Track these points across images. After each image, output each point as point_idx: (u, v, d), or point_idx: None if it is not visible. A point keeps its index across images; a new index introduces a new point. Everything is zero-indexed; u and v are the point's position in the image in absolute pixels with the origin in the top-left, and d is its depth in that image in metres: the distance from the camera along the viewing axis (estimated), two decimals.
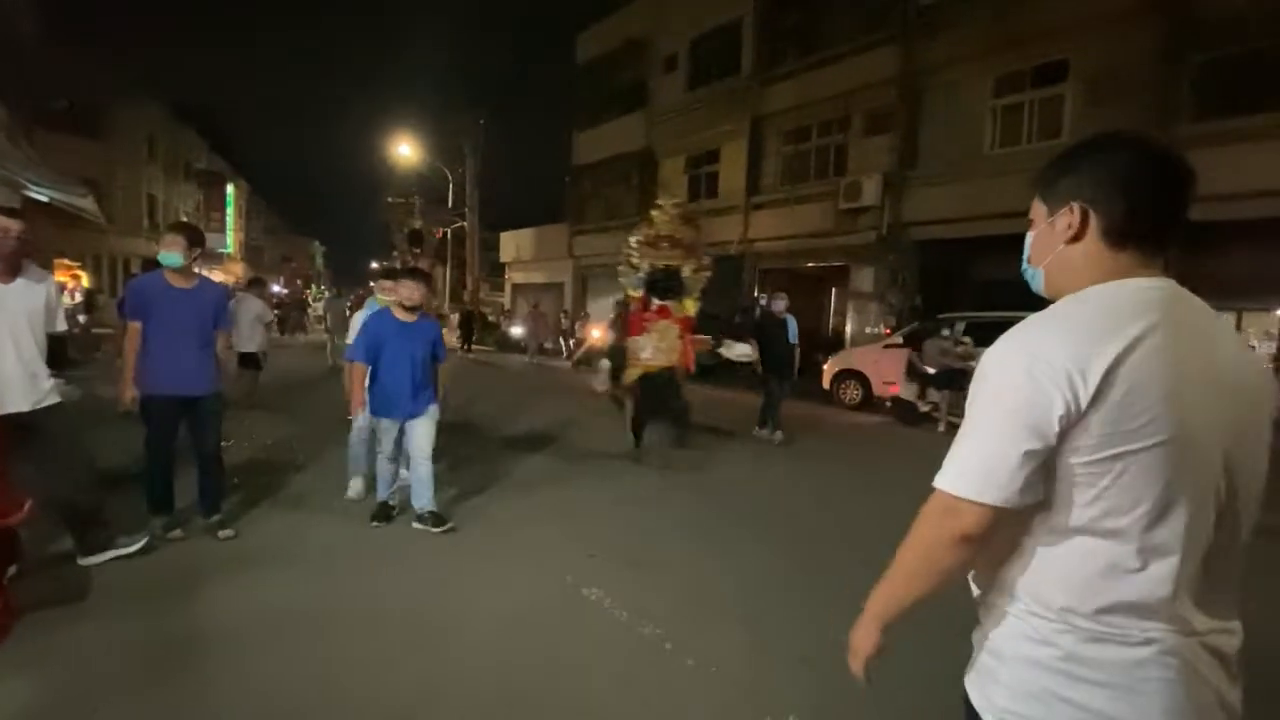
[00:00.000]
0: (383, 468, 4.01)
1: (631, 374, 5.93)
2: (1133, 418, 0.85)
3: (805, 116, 14.87)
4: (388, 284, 4.20)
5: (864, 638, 1.09)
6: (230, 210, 36.75)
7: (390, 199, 32.71)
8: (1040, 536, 0.93)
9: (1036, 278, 1.06)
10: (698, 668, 2.61)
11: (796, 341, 7.65)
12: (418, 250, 8.42)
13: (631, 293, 6.18)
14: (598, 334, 7.55)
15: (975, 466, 0.92)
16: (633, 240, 6.19)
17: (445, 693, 2.37)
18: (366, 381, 3.88)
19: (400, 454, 4.01)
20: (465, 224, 25.15)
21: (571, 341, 18.18)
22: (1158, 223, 0.95)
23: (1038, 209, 1.06)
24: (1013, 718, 0.94)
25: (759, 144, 15.89)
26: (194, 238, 3.49)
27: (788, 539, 4.19)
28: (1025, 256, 1.09)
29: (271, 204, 51.48)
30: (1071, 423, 0.86)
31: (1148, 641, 0.86)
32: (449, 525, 3.91)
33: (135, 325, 3.37)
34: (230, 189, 36.90)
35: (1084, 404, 0.85)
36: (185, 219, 30.84)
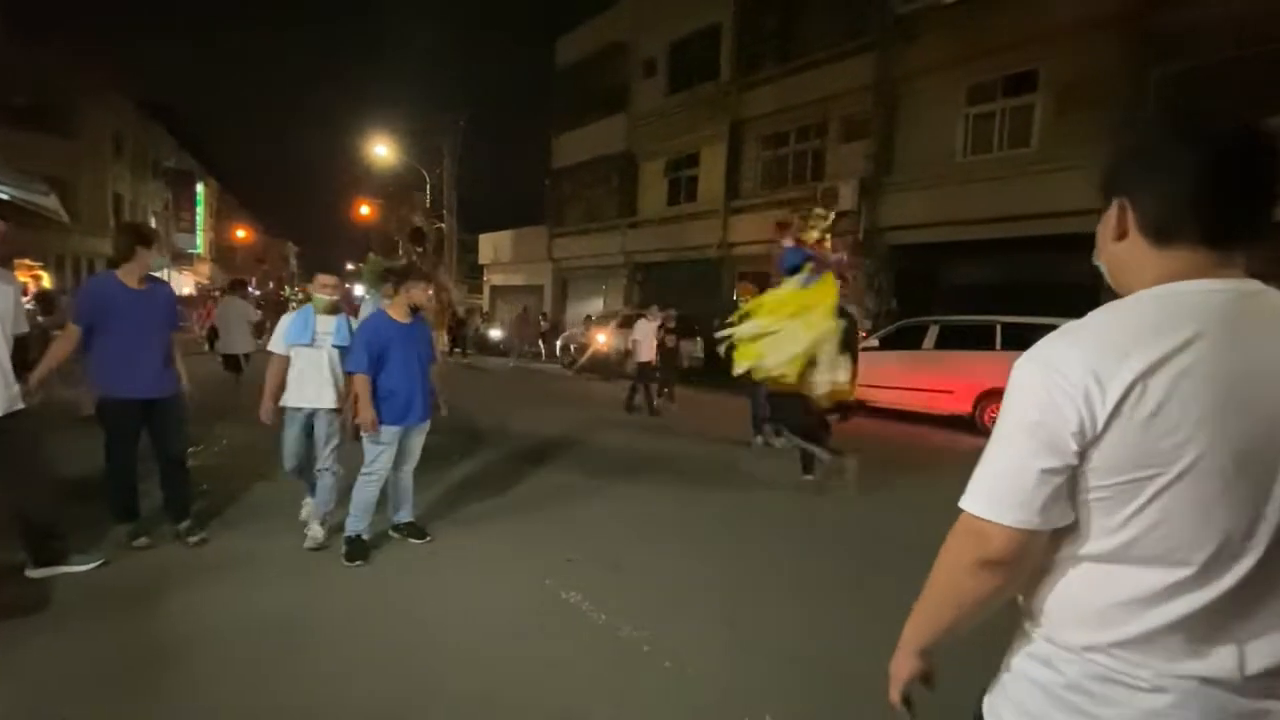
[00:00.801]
0: (370, 494, 3.53)
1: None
2: (1161, 438, 0.77)
3: (783, 122, 15.04)
4: (327, 280, 3.73)
5: (899, 664, 1.02)
6: (200, 210, 35.94)
7: (366, 200, 32.27)
8: (1065, 561, 0.87)
9: (1104, 272, 0.97)
10: (675, 669, 2.62)
11: None
12: (420, 249, 8.11)
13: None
14: (603, 339, 7.48)
15: (994, 485, 0.86)
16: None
17: (423, 699, 2.34)
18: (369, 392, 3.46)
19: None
20: (443, 225, 24.94)
21: (572, 347, 17.17)
22: (1213, 215, 0.82)
23: (1100, 198, 0.96)
24: None
25: (738, 148, 16.02)
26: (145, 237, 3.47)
27: (771, 540, 4.23)
28: (1096, 248, 0.99)
29: (244, 204, 50.47)
30: (1089, 441, 0.80)
31: (1159, 689, 0.78)
32: (428, 538, 3.85)
33: (75, 329, 3.30)
34: (200, 188, 36.10)
35: (1101, 421, 0.78)
36: (154, 218, 30.11)
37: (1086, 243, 0.99)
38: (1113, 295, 0.91)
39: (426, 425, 3.79)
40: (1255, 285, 0.82)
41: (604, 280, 20.26)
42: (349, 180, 33.96)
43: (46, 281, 19.99)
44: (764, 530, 4.44)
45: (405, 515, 3.85)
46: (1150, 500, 0.78)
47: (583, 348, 15.83)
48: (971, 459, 0.90)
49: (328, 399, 3.67)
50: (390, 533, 3.84)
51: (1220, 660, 0.76)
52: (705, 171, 17.01)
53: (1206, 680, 0.76)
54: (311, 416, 3.70)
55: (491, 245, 26.28)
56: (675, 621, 3.02)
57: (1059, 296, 9.05)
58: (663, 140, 17.95)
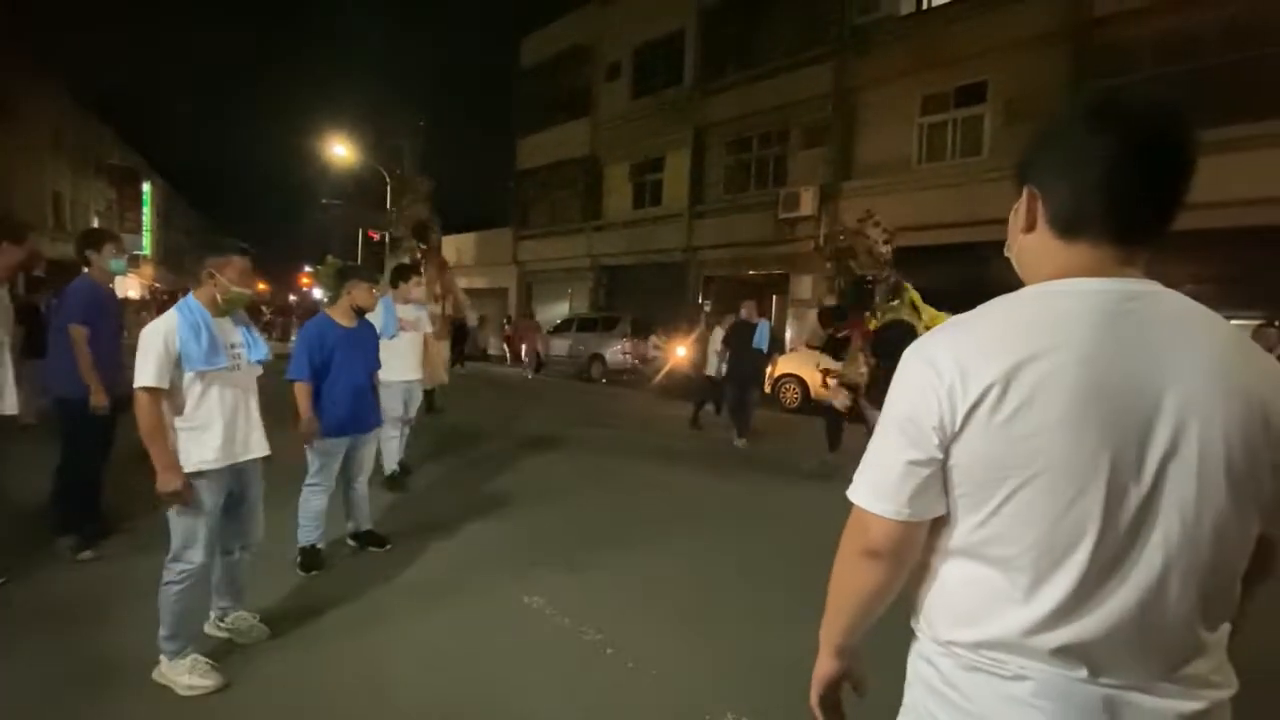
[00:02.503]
0: (318, 504, 3.41)
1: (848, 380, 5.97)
2: (1017, 440, 0.76)
3: (746, 127, 15.26)
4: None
5: (818, 665, 1.00)
6: (147, 209, 34.47)
7: (325, 201, 31.51)
8: (937, 555, 0.88)
9: (1015, 264, 0.95)
10: (638, 670, 2.63)
11: (765, 348, 7.58)
12: (424, 246, 7.55)
13: (827, 303, 6.50)
14: (683, 352, 7.34)
15: (869, 475, 0.88)
16: (824, 253, 6.36)
17: (379, 710, 2.30)
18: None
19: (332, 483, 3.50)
20: (389, 230, 24.49)
21: (641, 358, 14.82)
22: (1117, 212, 0.80)
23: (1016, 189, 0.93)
24: None
25: (702, 153, 16.19)
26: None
27: (736, 540, 4.27)
28: (1007, 242, 0.96)
29: (194, 204, 48.63)
30: (949, 437, 0.80)
31: (1020, 677, 0.79)
32: (387, 545, 3.77)
33: (83, 330, 3.35)
34: (147, 187, 34.63)
35: (959, 417, 0.79)
36: (96, 218, 28.75)
37: None
38: None
39: (376, 434, 3.70)
40: (1148, 286, 0.80)
41: (569, 283, 20.19)
42: (306, 180, 33.08)
43: None
44: (729, 530, 4.49)
45: (363, 525, 3.76)
46: (1005, 501, 0.78)
47: (642, 359, 14.25)
48: None
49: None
50: (349, 542, 3.75)
51: (1074, 658, 0.77)
52: (670, 175, 17.12)
53: (1062, 674, 0.77)
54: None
55: (454, 247, 25.87)
56: (638, 623, 3.03)
57: None
58: (627, 144, 18.01)
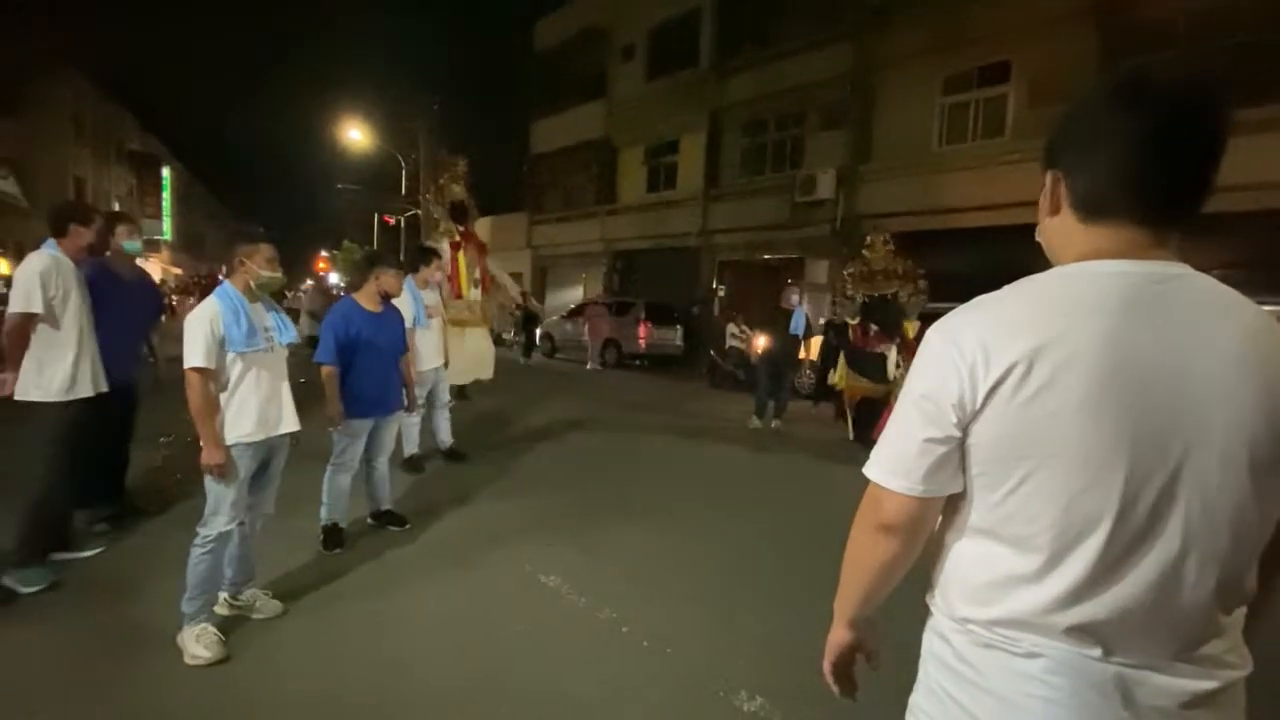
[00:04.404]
0: (341, 485, 3.49)
1: (855, 391, 6.41)
2: (1038, 421, 0.77)
3: (762, 110, 15.04)
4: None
5: (832, 635, 1.03)
6: (167, 195, 34.90)
7: (340, 185, 31.67)
8: (954, 533, 0.89)
9: (1045, 249, 0.94)
10: (653, 649, 2.67)
11: (800, 333, 7.74)
12: (462, 227, 7.19)
13: (849, 320, 6.69)
14: (763, 342, 7.69)
15: (887, 452, 0.89)
16: (846, 273, 6.72)
17: (401, 686, 2.36)
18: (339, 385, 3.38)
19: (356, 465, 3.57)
20: (420, 212, 24.59)
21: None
22: (1144, 190, 0.79)
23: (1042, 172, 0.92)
24: (916, 710, 0.94)
25: (717, 136, 15.99)
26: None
27: (759, 522, 4.29)
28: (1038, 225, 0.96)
29: (213, 190, 49.12)
30: (969, 415, 0.80)
31: (1033, 655, 0.80)
32: (406, 524, 3.84)
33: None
34: (166, 172, 35.04)
35: (980, 396, 0.79)
36: (118, 203, 29.17)
37: None
38: None
39: (398, 416, 3.77)
40: (1176, 269, 0.79)
41: (584, 268, 20.17)
42: (322, 164, 33.23)
43: (5, 268, 19.34)
44: (751, 510, 4.52)
45: (383, 504, 3.83)
46: (1022, 480, 0.78)
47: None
48: None
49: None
50: (369, 521, 3.83)
51: (1088, 636, 0.78)
52: (685, 159, 16.97)
53: (1076, 652, 0.78)
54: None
55: None
56: (654, 602, 3.07)
57: None
58: (642, 127, 17.84)
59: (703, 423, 7.93)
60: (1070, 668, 0.78)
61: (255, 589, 2.80)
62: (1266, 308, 0.82)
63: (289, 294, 23.22)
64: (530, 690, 2.37)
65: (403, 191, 25.48)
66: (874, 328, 6.25)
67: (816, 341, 9.06)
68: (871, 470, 0.92)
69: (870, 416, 6.19)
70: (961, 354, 0.81)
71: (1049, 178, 0.88)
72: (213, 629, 2.49)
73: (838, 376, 6.59)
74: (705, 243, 16.14)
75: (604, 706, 2.31)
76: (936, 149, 12.08)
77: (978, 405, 0.80)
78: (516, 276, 22.35)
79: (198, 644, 2.42)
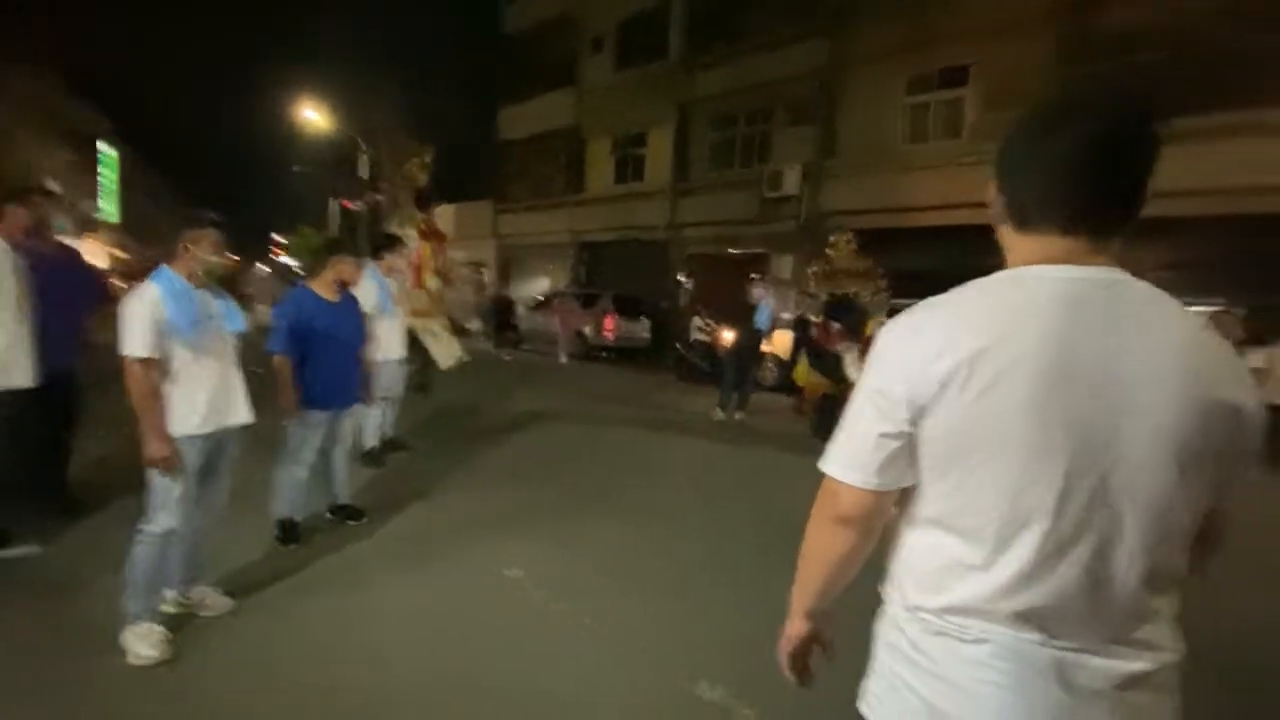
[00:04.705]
0: (297, 478, 3.39)
1: (814, 387, 6.51)
2: (984, 418, 0.81)
3: (731, 104, 15.11)
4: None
5: (789, 625, 1.06)
6: (108, 174, 33.13)
7: (296, 168, 30.57)
8: (907, 524, 0.93)
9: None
10: (616, 642, 2.68)
11: (765, 327, 7.83)
12: (424, 216, 6.79)
13: (812, 318, 6.82)
14: (729, 335, 7.81)
15: (842, 446, 0.93)
16: (810, 271, 6.74)
17: (361, 683, 2.32)
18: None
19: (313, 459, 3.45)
20: (381, 198, 23.94)
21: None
22: (1064, 205, 0.85)
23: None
24: (870, 695, 0.97)
25: (686, 129, 16.01)
26: None
27: (722, 513, 4.34)
28: None
29: (160, 170, 46.86)
30: (919, 412, 0.84)
31: (980, 641, 0.84)
32: (364, 518, 3.77)
33: None
34: (106, 149, 33.22)
35: (930, 395, 0.83)
36: (54, 182, 27.58)
37: None
38: None
39: (357, 408, 3.69)
40: (1116, 275, 0.84)
41: (550, 259, 19.99)
42: (277, 145, 32.07)
43: None
44: (714, 501, 4.56)
45: (341, 498, 3.74)
46: (970, 474, 0.83)
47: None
48: None
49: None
50: (326, 515, 3.74)
51: (1029, 622, 0.82)
52: (653, 151, 16.95)
53: (1018, 637, 0.82)
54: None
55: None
56: (618, 594, 3.08)
57: None
58: (611, 118, 17.74)
59: (669, 415, 7.97)
60: (1014, 653, 0.83)
61: (205, 586, 2.70)
62: (1202, 308, 0.87)
63: (249, 289, 22.37)
64: (490, 684, 2.35)
65: (364, 176, 24.75)
66: (836, 325, 6.38)
67: (780, 335, 9.22)
68: (827, 465, 0.95)
69: (830, 413, 6.31)
70: (910, 351, 0.85)
71: (991, 188, 0.94)
72: (159, 627, 2.40)
73: (799, 372, 6.72)
74: (673, 236, 16.17)
75: (567, 698, 2.31)
76: (899, 147, 12.34)
77: (927, 402, 0.84)
78: (482, 265, 22.02)
79: (142, 643, 2.33)
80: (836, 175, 13.08)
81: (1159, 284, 0.86)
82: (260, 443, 3.10)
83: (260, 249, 43.27)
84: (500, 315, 15.45)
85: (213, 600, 2.68)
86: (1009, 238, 0.93)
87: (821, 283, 6.56)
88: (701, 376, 11.21)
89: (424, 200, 7.03)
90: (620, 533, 3.89)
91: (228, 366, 2.57)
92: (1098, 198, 0.84)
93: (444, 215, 24.85)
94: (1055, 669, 0.82)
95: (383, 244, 5.14)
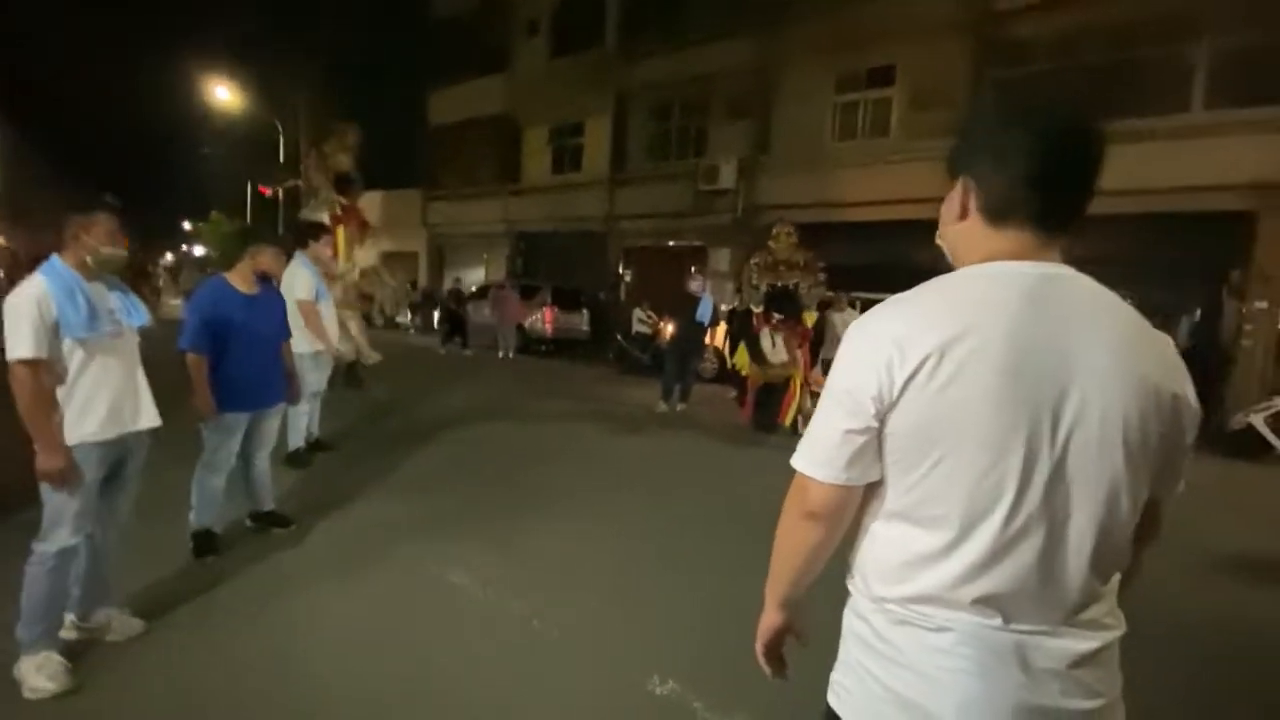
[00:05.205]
0: (213, 485, 3.14)
1: (755, 378, 6.51)
2: (949, 410, 0.83)
3: (668, 96, 15.12)
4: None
5: (764, 619, 1.08)
6: None
7: (206, 150, 28.52)
8: (870, 517, 0.95)
9: (946, 252, 1.02)
10: (564, 641, 2.63)
11: (706, 320, 7.87)
12: (344, 201, 6.75)
13: (753, 308, 6.81)
14: (671, 328, 7.84)
15: (811, 443, 0.94)
16: (752, 262, 6.84)
17: (296, 698, 2.18)
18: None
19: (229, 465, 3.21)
20: (300, 183, 22.64)
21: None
22: (1042, 201, 0.89)
23: (947, 180, 0.99)
24: (837, 686, 0.99)
25: (623, 120, 15.91)
26: None
27: (665, 507, 4.34)
28: (939, 230, 1.03)
29: (43, 151, 42.53)
30: (886, 406, 0.86)
31: (944, 629, 0.86)
32: (292, 525, 3.54)
33: None
34: None
35: (897, 388, 0.85)
36: None
37: (929, 227, 1.06)
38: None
39: (281, 408, 3.45)
40: (1064, 270, 0.89)
41: (485, 249, 19.49)
42: (186, 125, 29.81)
43: None
44: (657, 495, 4.56)
45: (265, 505, 3.50)
46: (934, 466, 0.85)
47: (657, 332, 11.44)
48: None
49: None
50: (248, 524, 3.49)
51: (990, 607, 0.85)
52: (590, 141, 16.76)
53: (979, 623, 0.85)
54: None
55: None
56: (564, 593, 3.03)
57: (917, 278, 10.08)
58: (547, 105, 17.40)
59: (611, 408, 7.94)
60: (976, 638, 0.85)
61: (110, 608, 2.46)
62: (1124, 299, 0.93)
63: (152, 269, 20.50)
64: (436, 694, 2.26)
65: (280, 160, 23.31)
66: (777, 316, 6.52)
67: (722, 328, 9.37)
68: (798, 461, 0.96)
69: (770, 402, 6.45)
70: (878, 350, 0.87)
71: (959, 185, 0.95)
72: (57, 656, 2.16)
73: (740, 362, 6.83)
74: (611, 227, 16.08)
75: (518, 703, 2.25)
76: (830, 144, 12.70)
77: (894, 397, 0.85)
78: (410, 256, 21.16)
79: (39, 675, 2.10)
80: (771, 170, 13.34)
81: (1093, 275, 0.91)
82: (173, 447, 2.86)
83: (170, 238, 40.21)
84: (452, 311, 14.38)
85: (119, 623, 2.45)
86: (973, 233, 0.94)
87: (762, 274, 6.67)
88: (642, 369, 11.25)
89: (344, 184, 6.68)
90: (564, 530, 3.83)
91: (130, 366, 2.35)
92: (1068, 193, 0.89)
93: (370, 203, 23.87)
94: (1015, 652, 0.85)
95: (307, 231, 4.90)
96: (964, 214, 0.95)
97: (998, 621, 0.85)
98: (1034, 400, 0.82)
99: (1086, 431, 0.83)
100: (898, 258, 11.49)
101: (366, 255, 6.51)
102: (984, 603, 0.85)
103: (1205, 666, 2.70)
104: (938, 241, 1.03)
